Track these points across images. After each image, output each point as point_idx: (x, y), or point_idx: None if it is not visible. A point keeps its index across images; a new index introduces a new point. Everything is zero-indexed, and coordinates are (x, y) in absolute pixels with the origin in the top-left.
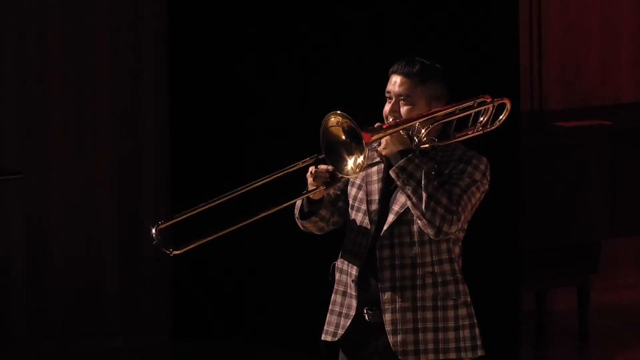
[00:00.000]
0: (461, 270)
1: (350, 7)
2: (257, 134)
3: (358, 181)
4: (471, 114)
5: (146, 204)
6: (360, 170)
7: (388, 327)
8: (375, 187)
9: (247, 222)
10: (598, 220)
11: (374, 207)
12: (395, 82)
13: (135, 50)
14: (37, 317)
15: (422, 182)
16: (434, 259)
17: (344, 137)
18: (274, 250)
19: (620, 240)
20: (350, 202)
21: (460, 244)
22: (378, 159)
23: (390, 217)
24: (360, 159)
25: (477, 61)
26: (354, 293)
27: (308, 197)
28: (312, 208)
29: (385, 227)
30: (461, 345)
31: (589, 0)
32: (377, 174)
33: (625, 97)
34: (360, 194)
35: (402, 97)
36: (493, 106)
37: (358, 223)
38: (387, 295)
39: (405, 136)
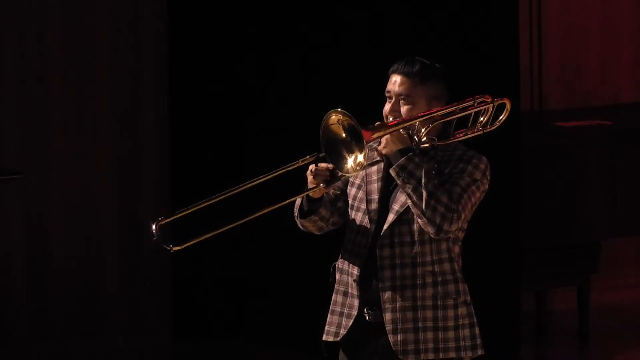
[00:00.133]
0: (461, 269)
1: (350, 7)
2: (257, 134)
3: (358, 181)
4: (471, 114)
5: (146, 204)
6: (360, 169)
7: (388, 327)
8: (375, 187)
9: (248, 219)
10: (598, 220)
11: (374, 206)
12: (395, 82)
13: (135, 50)
14: (37, 317)
15: (423, 181)
16: (434, 258)
17: (344, 135)
18: (274, 250)
19: (620, 240)
20: (350, 202)
21: (459, 243)
22: (378, 158)
23: (391, 217)
24: (361, 158)
25: (477, 61)
26: (355, 293)
27: (308, 196)
28: (311, 207)
29: (385, 227)
30: (461, 344)
31: (589, 0)
32: (377, 173)
33: (625, 97)
34: (360, 194)
35: (402, 97)
36: (493, 106)
37: (358, 223)
38: (387, 295)
39: (405, 135)
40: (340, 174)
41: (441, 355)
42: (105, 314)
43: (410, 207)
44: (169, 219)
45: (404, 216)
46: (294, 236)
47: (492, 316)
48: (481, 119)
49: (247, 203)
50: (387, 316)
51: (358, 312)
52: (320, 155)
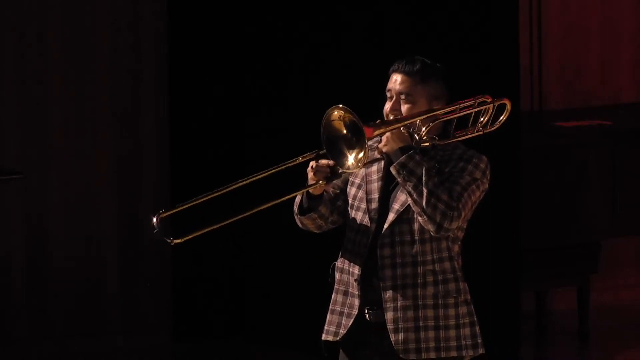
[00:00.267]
0: (461, 268)
1: (350, 7)
2: (257, 134)
3: (358, 180)
4: (471, 113)
5: (146, 204)
6: (361, 166)
7: (390, 326)
8: (375, 186)
9: (248, 213)
10: (598, 220)
11: (374, 205)
12: (396, 81)
13: (135, 50)
14: (37, 317)
15: (423, 179)
16: (435, 257)
17: (345, 131)
18: (273, 250)
19: (620, 240)
20: (350, 202)
21: (459, 242)
22: (378, 157)
23: (391, 216)
24: (362, 154)
25: (477, 61)
26: (356, 292)
27: (308, 193)
28: (311, 204)
29: (385, 226)
30: (462, 343)
31: (589, 0)
32: (377, 173)
33: (625, 97)
34: (360, 193)
35: (402, 95)
36: (493, 106)
37: (358, 222)
38: (388, 294)
39: (405, 134)
40: (340, 170)
41: (443, 354)
42: (105, 314)
43: (411, 205)
44: (170, 212)
45: (405, 215)
46: (294, 236)
47: (492, 316)
48: (481, 119)
49: (247, 199)
50: (389, 315)
51: (358, 312)
52: (321, 152)
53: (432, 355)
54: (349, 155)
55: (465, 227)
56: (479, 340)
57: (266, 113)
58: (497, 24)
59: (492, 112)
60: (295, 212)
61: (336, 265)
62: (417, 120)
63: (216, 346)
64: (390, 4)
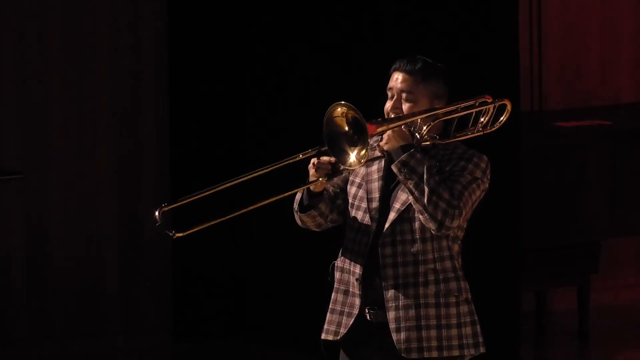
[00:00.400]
0: (461, 268)
1: (351, 7)
2: (256, 134)
3: (358, 180)
4: (472, 113)
5: (146, 204)
6: (363, 163)
7: (392, 325)
8: (376, 185)
9: (250, 208)
10: (598, 220)
11: (375, 204)
12: (397, 79)
13: (135, 50)
14: (37, 317)
15: (424, 177)
16: (436, 255)
17: (346, 128)
18: (273, 250)
19: (620, 240)
20: (350, 201)
21: (459, 242)
22: (379, 155)
23: (392, 215)
24: (364, 152)
25: (477, 61)
26: (357, 292)
27: (308, 190)
28: (312, 201)
29: (387, 225)
30: (464, 342)
31: (589, 0)
32: (378, 172)
33: (625, 97)
34: (361, 192)
35: (404, 94)
36: (494, 107)
37: (359, 221)
38: (390, 293)
39: (407, 132)
40: (342, 167)
41: (445, 353)
42: (105, 314)
43: (412, 203)
44: (172, 206)
45: (405, 214)
46: (294, 236)
47: (492, 316)
48: (482, 119)
49: (247, 196)
50: (391, 315)
51: (359, 311)
52: (323, 149)
53: (434, 354)
54: (350, 153)
55: (465, 226)
56: (480, 339)
57: (266, 113)
58: (497, 24)
59: (492, 113)
60: (296, 209)
61: (336, 264)
62: (418, 119)
63: (216, 346)
64: (390, 4)
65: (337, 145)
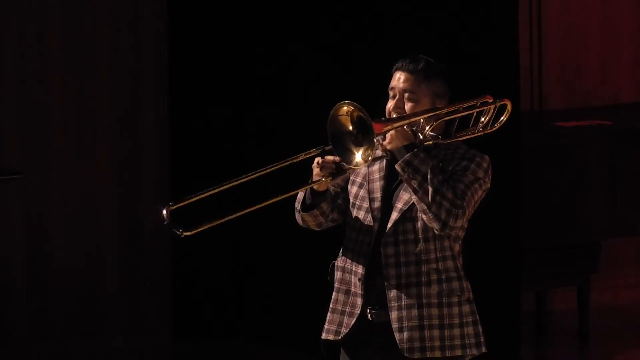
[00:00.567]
0: (462, 267)
1: (351, 7)
2: (257, 133)
3: (359, 179)
4: (473, 113)
5: (146, 204)
6: (369, 162)
7: (394, 325)
8: (378, 185)
9: (255, 208)
10: (598, 220)
11: (377, 204)
12: (399, 79)
13: (135, 50)
14: (37, 317)
15: (428, 177)
16: (438, 255)
17: (351, 127)
18: (273, 250)
19: (620, 240)
20: (352, 200)
21: (460, 242)
22: (382, 154)
23: (394, 215)
24: (369, 151)
25: (477, 61)
26: (359, 292)
27: (312, 189)
28: (315, 200)
29: (389, 225)
30: (466, 342)
31: (589, 0)
32: (379, 171)
33: (625, 97)
34: (362, 192)
35: (406, 94)
36: (495, 107)
37: (360, 221)
38: (392, 293)
39: (409, 132)
40: (347, 167)
41: (447, 353)
42: (105, 314)
43: (415, 203)
44: (179, 205)
45: (408, 214)
46: (294, 236)
47: (492, 316)
48: (482, 119)
49: (250, 195)
50: (393, 314)
51: (360, 311)
52: (326, 148)
53: (437, 354)
54: (356, 152)
55: (466, 226)
56: (482, 339)
57: (266, 113)
58: (497, 24)
59: (493, 113)
60: (298, 208)
61: (336, 264)
62: (421, 119)
63: (216, 346)
64: (390, 4)
65: (341, 144)
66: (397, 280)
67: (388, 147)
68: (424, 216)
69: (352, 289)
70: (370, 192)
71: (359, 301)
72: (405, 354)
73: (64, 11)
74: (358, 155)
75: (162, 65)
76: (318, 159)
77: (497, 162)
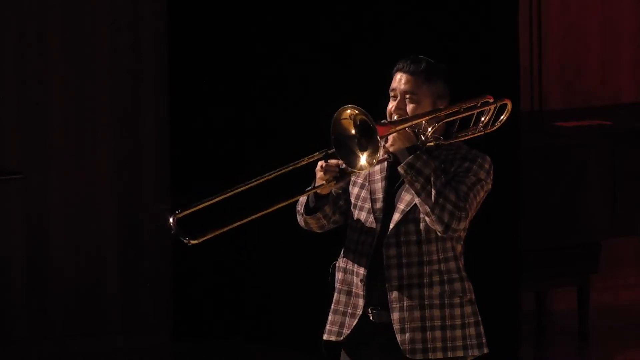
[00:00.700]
0: (464, 268)
1: (351, 7)
2: (257, 133)
3: (360, 180)
4: (473, 114)
5: (146, 204)
6: (374, 165)
7: (396, 326)
8: (379, 186)
9: (260, 214)
10: (598, 220)
11: (379, 205)
12: (400, 80)
13: (135, 50)
14: (37, 317)
15: (431, 179)
16: (440, 256)
17: (354, 131)
18: (273, 250)
19: (620, 240)
20: (353, 202)
21: (462, 242)
22: (384, 157)
23: (396, 216)
24: (374, 154)
25: (477, 61)
26: (361, 292)
27: (315, 192)
28: (318, 204)
29: (391, 226)
30: (468, 343)
31: (589, 0)
32: (380, 172)
33: (625, 97)
34: (364, 193)
35: (407, 95)
36: (495, 107)
37: (362, 222)
38: (394, 294)
39: (412, 133)
40: (350, 170)
41: (449, 354)
42: (105, 314)
43: (418, 205)
44: (185, 212)
45: (410, 215)
46: (294, 236)
47: (492, 316)
48: (483, 119)
49: (252, 200)
50: (395, 316)
51: (362, 312)
52: (330, 151)
53: (439, 355)
54: (360, 155)
55: (467, 227)
56: (484, 340)
57: (266, 113)
58: (497, 24)
59: (493, 112)
60: (301, 211)
61: (338, 265)
62: (423, 121)
63: (216, 346)
64: (390, 4)
65: (345, 148)
66: (399, 282)
67: (390, 149)
68: (426, 218)
69: (354, 290)
70: (371, 192)
71: (361, 302)
72: (407, 355)
73: (64, 11)
74: (362, 159)
75: (162, 65)
76: (321, 163)
77: (497, 162)
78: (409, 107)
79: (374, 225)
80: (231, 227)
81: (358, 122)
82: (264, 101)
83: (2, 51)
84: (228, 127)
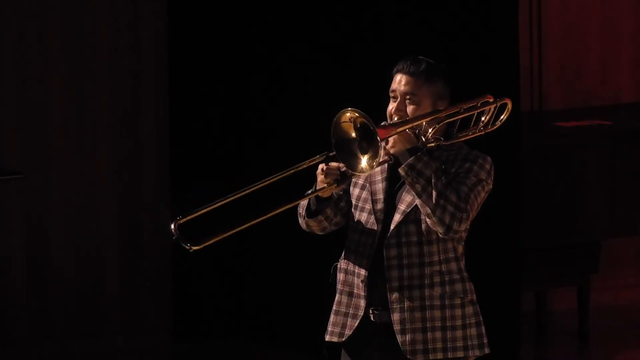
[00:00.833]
0: (465, 268)
1: (351, 7)
2: (257, 134)
3: (361, 181)
4: (474, 114)
5: (146, 204)
6: (375, 167)
7: (397, 327)
8: (380, 187)
9: (262, 218)
10: (598, 220)
11: (379, 206)
12: (400, 81)
13: (135, 50)
14: (37, 317)
15: (432, 180)
16: (441, 257)
17: (354, 134)
18: (273, 250)
19: (620, 240)
20: (354, 202)
21: (463, 243)
22: (385, 159)
23: (397, 217)
24: (375, 157)
25: (477, 61)
26: (362, 293)
27: (317, 195)
28: (320, 206)
29: (392, 227)
30: (469, 343)
31: (589, 0)
32: (381, 173)
33: (625, 97)
34: (364, 194)
35: (408, 96)
36: (495, 106)
37: (363, 223)
38: (395, 295)
39: (412, 135)
40: (351, 173)
41: (450, 355)
42: (105, 314)
43: (419, 206)
44: (187, 218)
45: (411, 216)
46: (294, 236)
47: (492, 316)
48: (483, 118)
49: (253, 203)
50: (395, 316)
51: (364, 313)
52: (330, 154)
53: (440, 355)
54: (361, 158)
55: (468, 227)
56: (485, 341)
57: (266, 113)
58: (497, 24)
59: (493, 112)
60: (302, 214)
61: (339, 266)
62: (424, 121)
63: (216, 346)
64: (390, 4)
65: (346, 151)
66: (400, 282)
67: (391, 151)
68: (428, 220)
69: (355, 291)
70: (372, 193)
71: (362, 303)
72: (408, 356)
73: (64, 11)
74: (363, 162)
75: (162, 65)
76: (322, 166)
77: (497, 162)
78: (409, 108)
79: (374, 226)
80: (232, 232)
81: (358, 125)
82: (264, 101)
83: (2, 51)
84: (228, 127)
